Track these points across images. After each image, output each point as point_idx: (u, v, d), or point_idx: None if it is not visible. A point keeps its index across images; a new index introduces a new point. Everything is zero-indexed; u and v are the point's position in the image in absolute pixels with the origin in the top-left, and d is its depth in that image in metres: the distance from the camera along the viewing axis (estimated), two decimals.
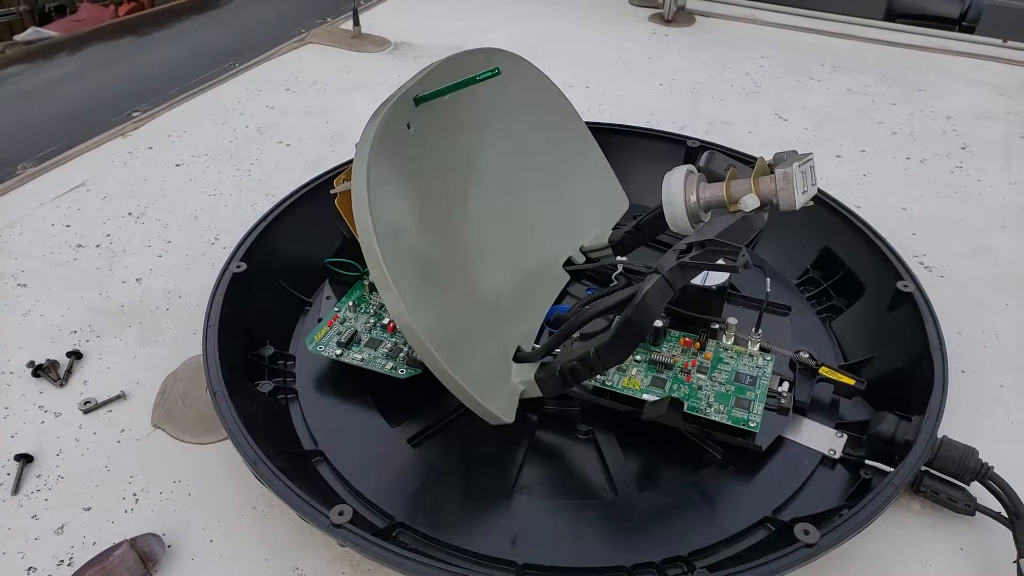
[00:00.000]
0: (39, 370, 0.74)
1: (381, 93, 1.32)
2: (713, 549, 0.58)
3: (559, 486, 0.64)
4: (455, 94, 0.66)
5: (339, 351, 0.70)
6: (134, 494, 0.63)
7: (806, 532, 0.52)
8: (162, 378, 0.73)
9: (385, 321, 0.73)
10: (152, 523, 0.60)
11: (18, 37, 2.85)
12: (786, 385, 0.68)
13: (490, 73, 0.62)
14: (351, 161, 0.59)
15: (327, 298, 0.79)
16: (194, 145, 1.11)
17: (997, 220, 0.98)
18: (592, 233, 0.83)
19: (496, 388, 0.63)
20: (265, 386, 0.70)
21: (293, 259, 0.82)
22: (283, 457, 0.62)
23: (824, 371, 0.69)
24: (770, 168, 0.61)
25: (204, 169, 1.06)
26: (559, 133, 0.83)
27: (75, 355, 0.75)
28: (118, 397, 0.71)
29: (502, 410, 0.62)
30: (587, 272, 0.82)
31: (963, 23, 1.53)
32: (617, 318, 0.58)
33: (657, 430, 0.65)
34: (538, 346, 0.70)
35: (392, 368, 0.69)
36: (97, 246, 0.91)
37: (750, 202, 0.58)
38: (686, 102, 1.26)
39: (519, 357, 0.67)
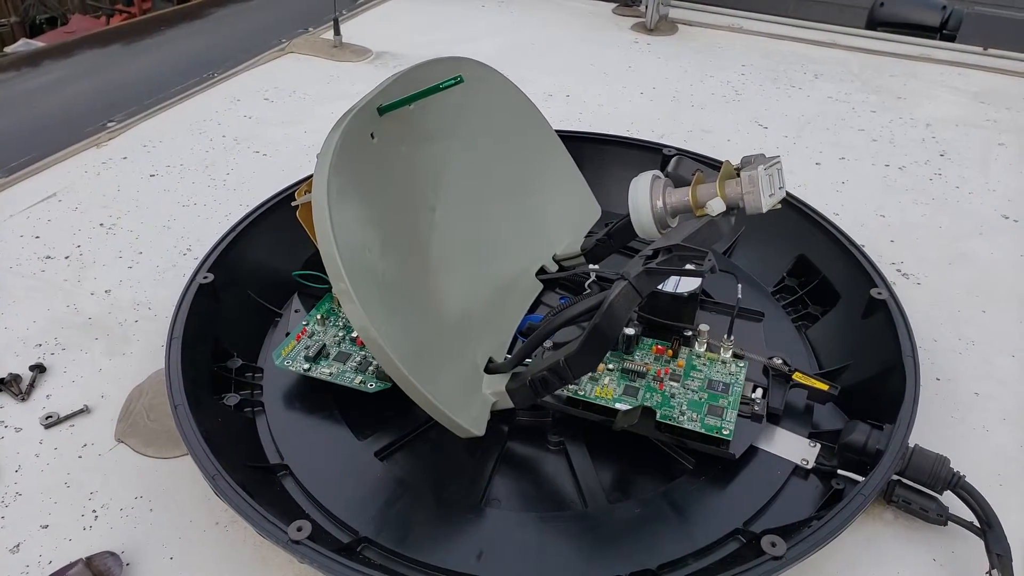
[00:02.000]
0: (0, 384, 0.72)
1: None
2: (682, 562, 0.57)
3: (528, 499, 0.63)
4: (421, 103, 0.66)
5: (307, 366, 0.69)
6: (94, 511, 0.62)
7: (773, 544, 0.52)
8: (128, 392, 0.72)
9: (354, 334, 0.72)
10: (111, 540, 0.59)
11: (8, 49, 2.85)
12: (759, 391, 0.67)
13: (452, 81, 0.62)
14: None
15: (296, 311, 0.78)
16: (169, 155, 1.10)
17: (975, 227, 0.97)
18: (564, 241, 0.82)
19: (466, 400, 0.62)
20: (231, 399, 0.68)
21: (263, 271, 0.81)
22: (246, 472, 0.60)
23: (797, 376, 0.68)
24: (736, 172, 0.60)
25: (179, 179, 1.05)
26: (528, 142, 0.82)
27: (38, 368, 0.74)
28: (81, 411, 0.70)
29: (472, 423, 0.61)
30: (560, 281, 0.81)
31: (944, 31, 1.54)
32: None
33: (629, 440, 0.64)
34: (510, 357, 0.69)
35: (361, 383, 0.68)
36: (66, 257, 0.90)
37: (716, 206, 0.58)
38: (667, 110, 1.25)
39: (490, 368, 0.66)
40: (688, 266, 0.56)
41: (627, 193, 0.93)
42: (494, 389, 0.64)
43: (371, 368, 0.69)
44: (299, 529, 0.52)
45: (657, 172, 0.63)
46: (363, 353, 0.70)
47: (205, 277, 0.74)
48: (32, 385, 0.73)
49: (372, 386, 0.67)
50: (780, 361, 0.69)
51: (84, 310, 0.82)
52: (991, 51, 1.46)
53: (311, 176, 0.59)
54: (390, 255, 0.61)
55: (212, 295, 0.74)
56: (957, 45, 1.49)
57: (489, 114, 0.76)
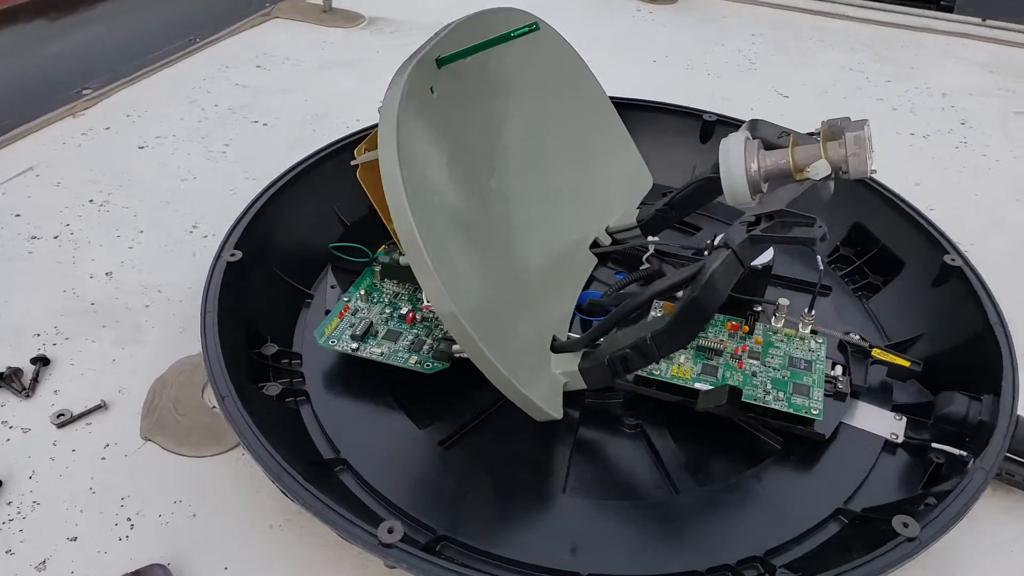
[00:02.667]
0: None
1: (362, 70, 1.24)
2: (786, 547, 0.53)
3: (612, 486, 0.58)
4: (478, 58, 0.59)
5: (355, 345, 0.63)
6: (128, 519, 0.54)
7: (905, 525, 0.48)
8: (149, 384, 0.64)
9: (404, 311, 0.65)
10: (153, 552, 0.52)
11: None
12: (839, 369, 0.63)
13: (527, 28, 0.56)
14: (371, 128, 0.52)
15: (331, 287, 0.72)
16: (158, 125, 1.01)
17: (1011, 194, 0.96)
18: (617, 212, 0.77)
19: (540, 382, 0.57)
20: (272, 388, 0.62)
21: (290, 246, 0.74)
22: (303, 468, 0.54)
23: (877, 353, 0.65)
24: (831, 135, 0.56)
25: (172, 151, 0.96)
26: (581, 104, 0.77)
27: (41, 361, 0.66)
28: (97, 407, 0.62)
29: (550, 405, 0.56)
30: (612, 255, 0.76)
31: (941, 2, 1.53)
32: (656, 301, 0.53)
33: (707, 421, 0.60)
34: (574, 335, 0.64)
35: (417, 363, 0.62)
36: (55, 237, 0.81)
37: (821, 169, 0.53)
38: (681, 79, 1.21)
39: (558, 347, 0.61)
40: (795, 233, 0.51)
41: (664, 162, 0.89)
42: (565, 369, 0.59)
43: (426, 347, 0.63)
44: (390, 531, 0.46)
45: (747, 133, 0.58)
46: (415, 331, 0.64)
47: (232, 255, 0.66)
48: (36, 379, 0.64)
49: (430, 367, 0.61)
50: (857, 337, 0.66)
51: (85, 295, 0.74)
52: (989, 22, 1.46)
53: (368, 131, 0.52)
54: (459, 222, 0.55)
55: (240, 274, 0.66)
56: (957, 16, 1.48)
57: (544, 73, 0.70)
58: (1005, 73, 1.27)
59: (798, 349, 0.64)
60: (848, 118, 0.59)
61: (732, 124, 0.90)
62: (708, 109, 0.92)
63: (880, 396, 0.65)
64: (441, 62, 0.58)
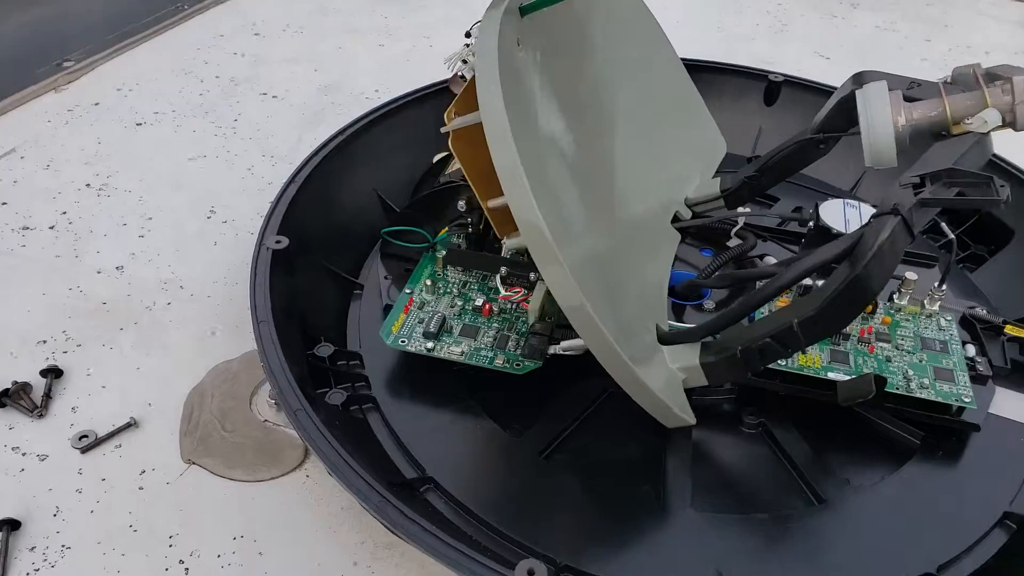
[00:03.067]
0: (4, 397, 0.54)
1: (371, 39, 1.14)
2: (958, 561, 0.46)
3: (742, 497, 0.50)
4: (559, 10, 0.51)
5: (430, 344, 0.54)
6: (181, 561, 0.45)
7: None
8: (184, 395, 0.55)
9: (478, 302, 0.57)
10: None
11: None
12: (972, 348, 0.57)
13: None
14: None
15: (385, 278, 0.62)
16: (154, 100, 0.90)
17: None
18: (694, 182, 0.69)
19: (662, 381, 0.49)
20: (335, 396, 0.52)
21: (332, 232, 0.65)
22: (385, 489, 0.45)
23: (1010, 329, 0.58)
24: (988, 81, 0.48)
25: (175, 128, 0.85)
26: (659, 65, 0.68)
27: (53, 373, 0.56)
28: (128, 426, 0.53)
29: (683, 409, 0.48)
30: (690, 230, 0.68)
31: None
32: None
33: (826, 416, 0.53)
34: (678, 324, 0.56)
35: (506, 363, 0.53)
36: (51, 227, 0.70)
37: (991, 119, 0.46)
38: (716, 44, 1.13)
39: (667, 338, 0.53)
40: (972, 195, 0.44)
41: (725, 126, 0.81)
42: (682, 363, 0.51)
43: (511, 343, 0.54)
44: (531, 572, 0.37)
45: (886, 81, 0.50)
46: (495, 325, 0.56)
47: (278, 241, 0.57)
48: (48, 395, 0.54)
49: (520, 367, 0.53)
50: (984, 311, 0.59)
51: (94, 293, 0.64)
52: None
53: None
54: (566, 194, 0.47)
55: (287, 264, 0.57)
56: None
57: (623, 30, 0.62)
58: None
59: (927, 328, 0.57)
60: (979, 64, 0.52)
61: (801, 85, 0.83)
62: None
63: (1020, 378, 0.58)
64: (524, 10, 0.49)
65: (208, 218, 0.72)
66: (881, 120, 0.48)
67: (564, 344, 0.51)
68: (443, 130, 0.44)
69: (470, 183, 0.45)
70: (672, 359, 0.52)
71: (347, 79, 0.96)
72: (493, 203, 0.45)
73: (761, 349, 0.48)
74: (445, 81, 0.77)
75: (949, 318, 0.58)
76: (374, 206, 0.70)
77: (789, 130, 0.82)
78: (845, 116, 0.59)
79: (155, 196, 0.75)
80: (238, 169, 0.79)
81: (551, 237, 0.40)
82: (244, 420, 0.53)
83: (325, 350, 0.55)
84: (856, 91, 0.50)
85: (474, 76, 0.44)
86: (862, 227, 0.45)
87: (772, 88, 0.82)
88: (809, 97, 0.81)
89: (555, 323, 0.54)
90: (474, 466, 0.50)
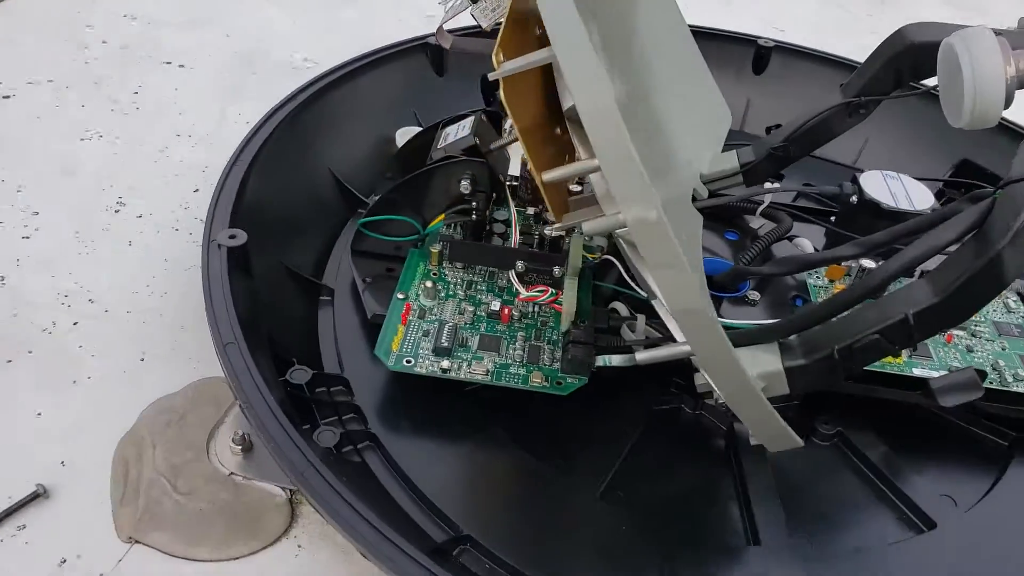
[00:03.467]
0: None
1: (289, 2, 0.98)
2: None
3: (834, 523, 0.42)
4: None
5: (445, 363, 0.42)
6: None
7: None
8: (112, 447, 0.41)
9: (493, 306, 0.46)
10: None
11: None
12: None
13: None
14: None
15: (367, 280, 0.50)
16: (26, 68, 0.72)
17: None
18: (706, 156, 0.61)
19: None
20: (326, 436, 0.40)
21: (288, 225, 0.52)
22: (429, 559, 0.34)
23: None
24: None
25: (56, 102, 0.68)
26: (675, 27, 0.60)
27: None
28: (34, 498, 0.38)
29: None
30: (705, 211, 0.60)
31: None
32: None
33: (901, 419, 0.46)
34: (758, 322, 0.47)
35: (544, 382, 0.42)
36: None
37: None
38: (699, 8, 1.06)
39: (739, 339, 0.44)
40: None
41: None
42: (761, 369, 0.42)
43: (544, 355, 0.44)
44: None
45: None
46: (520, 334, 0.45)
47: (232, 237, 0.43)
48: None
49: (563, 384, 0.43)
50: None
51: None
52: None
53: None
54: (649, 166, 0.37)
55: (245, 265, 0.44)
56: None
57: None
58: (966, 7, 1.24)
59: (995, 311, 0.51)
60: None
61: (794, 51, 0.76)
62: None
63: None
64: None
65: (116, 211, 0.57)
66: (991, 71, 0.40)
67: (625, 354, 0.40)
68: (491, 76, 0.33)
69: (524, 149, 0.34)
70: (748, 364, 0.43)
71: (268, 46, 0.81)
72: (551, 174, 0.34)
73: (865, 347, 0.39)
74: (397, 44, 0.65)
75: (1014, 298, 0.52)
76: (331, 190, 0.57)
77: (783, 102, 0.76)
78: (893, 77, 0.53)
79: (39, 186, 0.58)
80: (147, 150, 0.63)
81: (663, 216, 0.30)
82: (203, 476, 0.39)
83: (301, 375, 0.42)
84: (951, 39, 0.43)
85: (508, 18, 0.34)
86: (990, 199, 0.38)
87: (761, 54, 0.75)
88: (803, 64, 0.75)
89: (593, 327, 0.44)
90: (520, 515, 0.39)
